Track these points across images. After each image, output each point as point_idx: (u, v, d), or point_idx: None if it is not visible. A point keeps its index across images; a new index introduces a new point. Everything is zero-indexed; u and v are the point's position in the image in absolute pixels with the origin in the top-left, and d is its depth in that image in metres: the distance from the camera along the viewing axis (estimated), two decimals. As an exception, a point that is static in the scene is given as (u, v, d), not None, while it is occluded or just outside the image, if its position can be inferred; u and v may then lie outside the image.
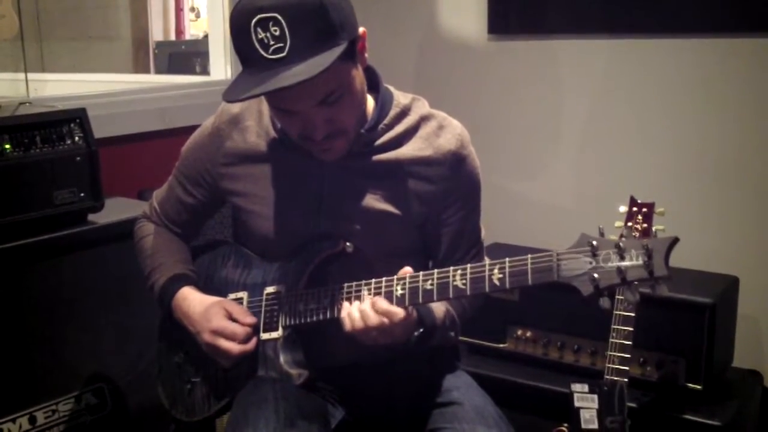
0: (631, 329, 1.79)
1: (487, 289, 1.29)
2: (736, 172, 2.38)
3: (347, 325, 1.38)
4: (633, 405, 1.94)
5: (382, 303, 1.35)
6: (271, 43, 1.28)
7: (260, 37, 1.29)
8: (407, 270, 1.38)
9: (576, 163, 2.66)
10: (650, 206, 1.76)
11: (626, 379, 1.78)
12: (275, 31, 1.28)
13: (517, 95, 2.73)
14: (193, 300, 1.55)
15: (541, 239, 2.34)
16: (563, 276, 1.22)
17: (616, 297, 1.79)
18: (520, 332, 2.25)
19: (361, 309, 1.36)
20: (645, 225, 1.73)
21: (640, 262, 1.18)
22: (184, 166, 1.65)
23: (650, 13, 2.43)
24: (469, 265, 1.32)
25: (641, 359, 2.05)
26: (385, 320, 1.35)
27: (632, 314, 1.79)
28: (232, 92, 1.33)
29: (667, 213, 1.75)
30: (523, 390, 2.16)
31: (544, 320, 2.20)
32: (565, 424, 1.86)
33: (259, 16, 1.28)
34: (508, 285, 1.27)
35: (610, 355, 1.79)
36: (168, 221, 1.69)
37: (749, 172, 2.36)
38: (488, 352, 2.28)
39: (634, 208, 1.76)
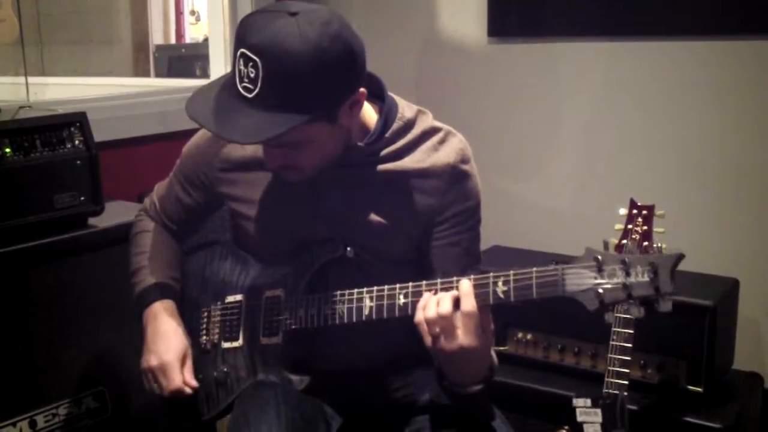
0: (631, 332, 1.78)
1: (491, 301, 1.28)
2: (737, 174, 2.38)
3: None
4: (634, 407, 1.94)
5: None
6: (245, 79, 1.29)
7: (239, 67, 1.30)
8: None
9: (576, 166, 2.66)
10: (650, 209, 1.75)
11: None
12: (251, 72, 1.28)
13: (517, 98, 2.73)
14: (162, 321, 1.57)
15: (540, 242, 2.34)
16: (568, 291, 1.22)
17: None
18: (520, 335, 2.25)
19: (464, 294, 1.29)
20: (645, 227, 1.72)
21: (646, 278, 1.18)
22: (183, 166, 1.66)
23: (650, 15, 2.43)
24: (473, 276, 1.30)
25: (642, 362, 2.05)
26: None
27: (632, 317, 1.79)
28: (195, 105, 1.34)
29: (668, 215, 1.74)
30: (524, 393, 2.16)
31: (544, 323, 2.20)
32: (566, 427, 1.86)
33: (243, 50, 1.28)
34: (512, 298, 1.27)
35: (611, 357, 1.79)
36: (165, 218, 1.70)
37: (749, 174, 2.36)
38: (489, 355, 2.28)
39: (634, 211, 1.75)
